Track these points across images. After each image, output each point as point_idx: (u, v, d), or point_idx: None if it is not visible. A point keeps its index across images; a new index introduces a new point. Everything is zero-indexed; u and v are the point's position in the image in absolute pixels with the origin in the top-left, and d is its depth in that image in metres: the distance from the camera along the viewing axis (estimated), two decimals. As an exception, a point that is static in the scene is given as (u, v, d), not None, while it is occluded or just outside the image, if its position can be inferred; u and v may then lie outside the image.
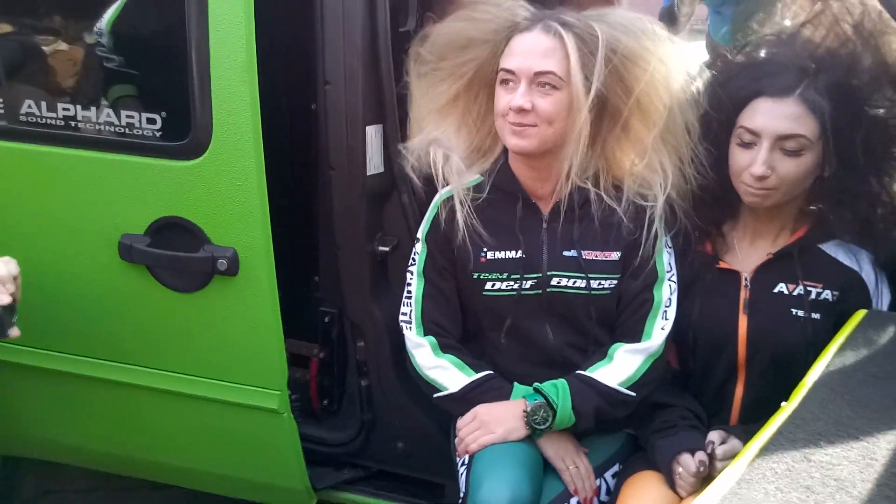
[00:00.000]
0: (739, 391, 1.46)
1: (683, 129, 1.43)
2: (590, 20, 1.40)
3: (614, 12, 1.44)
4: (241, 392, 1.61)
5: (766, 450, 0.78)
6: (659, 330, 1.48)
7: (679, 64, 1.43)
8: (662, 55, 1.40)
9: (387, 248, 1.64)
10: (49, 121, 1.54)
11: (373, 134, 1.55)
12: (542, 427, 1.42)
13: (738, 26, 3.12)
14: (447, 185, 1.49)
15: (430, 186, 1.53)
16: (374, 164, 1.57)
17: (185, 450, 1.74)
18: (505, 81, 1.41)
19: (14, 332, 1.38)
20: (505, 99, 1.40)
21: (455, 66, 1.48)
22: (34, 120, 1.55)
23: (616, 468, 1.52)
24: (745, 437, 1.24)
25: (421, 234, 1.55)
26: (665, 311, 1.49)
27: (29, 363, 1.70)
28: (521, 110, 1.37)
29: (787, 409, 0.87)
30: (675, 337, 1.48)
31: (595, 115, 1.42)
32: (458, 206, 1.47)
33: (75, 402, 1.75)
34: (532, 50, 1.38)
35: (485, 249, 1.49)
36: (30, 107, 1.54)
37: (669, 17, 3.00)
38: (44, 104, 1.54)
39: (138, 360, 1.65)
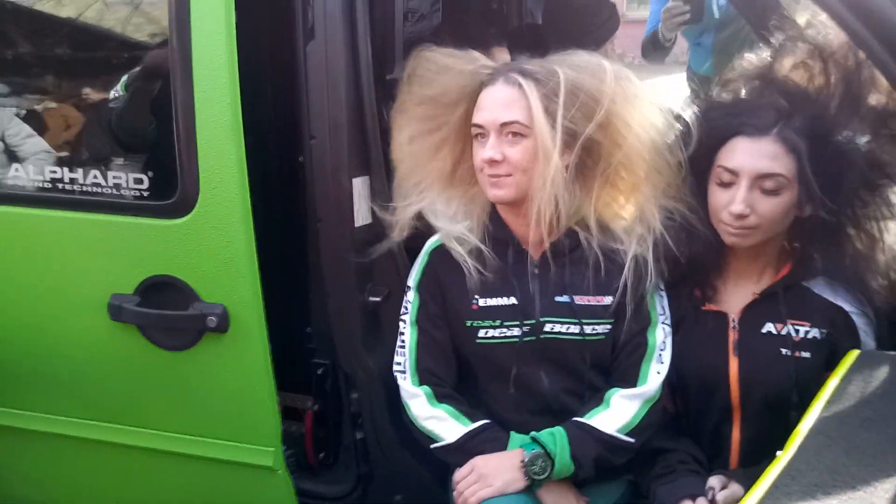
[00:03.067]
0: (736, 433, 1.44)
1: (667, 167, 1.44)
2: (551, 64, 1.42)
3: (575, 54, 1.46)
4: (235, 450, 1.59)
5: (773, 490, 0.77)
6: (655, 374, 1.47)
7: (649, 103, 1.44)
8: (628, 93, 1.41)
9: (378, 299, 1.63)
10: (36, 183, 1.54)
11: (360, 186, 1.56)
12: (541, 477, 1.40)
13: (720, 58, 3.15)
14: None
15: (418, 237, 1.53)
16: (362, 215, 1.58)
17: (179, 511, 1.71)
18: (478, 136, 1.44)
19: None
20: (479, 153, 1.42)
21: (428, 117, 1.50)
22: (20, 183, 1.55)
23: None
24: (746, 482, 1.23)
25: (412, 282, 1.55)
26: (660, 355, 1.48)
27: (19, 426, 1.69)
28: (492, 162, 1.40)
29: (783, 459, 0.86)
30: (668, 380, 1.47)
31: (578, 157, 1.43)
32: (453, 250, 1.48)
33: (66, 464, 1.73)
34: (496, 102, 1.41)
35: (476, 296, 1.49)
36: (16, 170, 1.55)
37: (654, 45, 3.00)
38: (31, 167, 1.54)
39: (129, 420, 1.63)
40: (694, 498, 1.32)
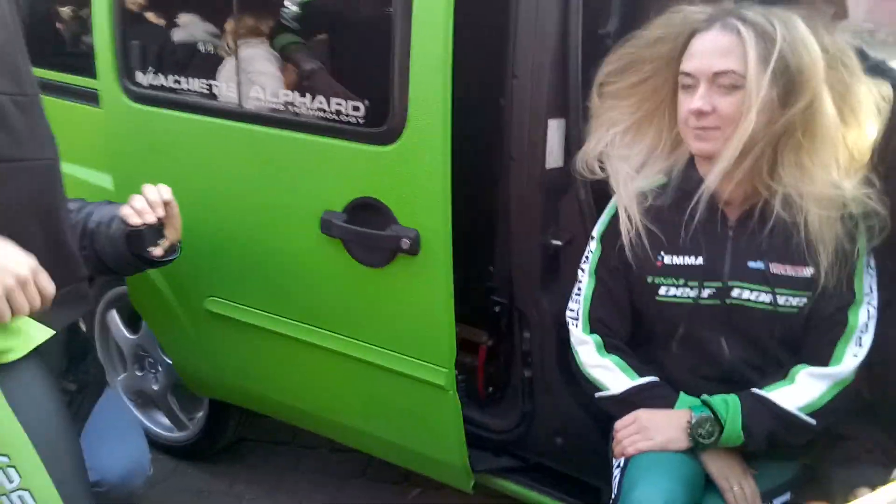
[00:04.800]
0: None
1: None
2: (773, 17, 1.32)
3: (797, 22, 1.34)
4: (413, 365, 1.71)
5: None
6: (851, 356, 1.36)
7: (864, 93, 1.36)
8: (841, 81, 1.35)
9: (560, 243, 1.65)
10: (271, 105, 1.74)
11: (555, 128, 1.58)
12: (706, 442, 1.36)
13: None
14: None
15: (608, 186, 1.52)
16: (554, 157, 1.60)
17: (360, 413, 1.89)
18: (685, 86, 1.38)
19: (157, 251, 1.57)
20: (686, 103, 1.37)
21: (636, 55, 1.48)
22: (259, 105, 1.76)
23: (787, 497, 1.41)
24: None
25: (597, 233, 1.55)
26: (860, 337, 1.37)
27: (239, 318, 1.94)
28: (700, 113, 1.33)
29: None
30: (868, 364, 1.34)
31: (785, 119, 1.33)
32: (630, 213, 1.46)
33: (273, 359, 1.96)
34: (710, 50, 1.34)
35: (662, 253, 1.46)
36: (256, 92, 1.76)
37: None
38: (268, 90, 1.74)
39: (326, 325, 1.81)
40: (874, 488, 1.21)
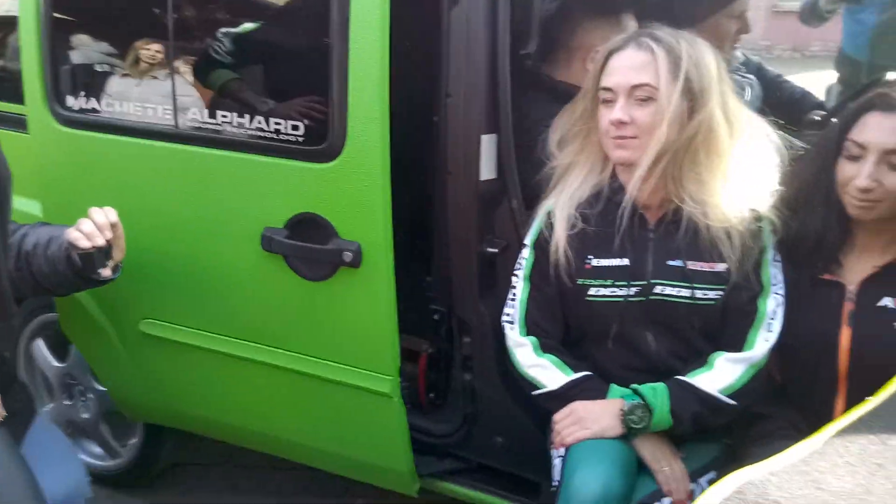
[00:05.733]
0: (841, 404, 1.45)
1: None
2: (679, 38, 1.48)
3: (695, 38, 1.51)
4: (358, 375, 1.76)
5: (842, 432, 0.81)
6: (763, 341, 1.51)
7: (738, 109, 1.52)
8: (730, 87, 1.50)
9: (495, 250, 1.75)
10: (210, 126, 1.77)
11: (487, 143, 1.68)
12: (638, 427, 1.47)
13: (878, 41, 2.98)
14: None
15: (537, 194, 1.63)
16: (488, 170, 1.70)
17: (304, 427, 1.91)
18: (605, 101, 1.51)
19: (106, 272, 1.60)
20: (606, 115, 1.50)
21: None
22: (197, 125, 1.78)
23: (712, 475, 1.54)
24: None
25: (529, 240, 1.65)
26: (770, 323, 1.51)
27: (177, 339, 1.93)
28: (620, 123, 1.47)
29: (871, 402, 0.90)
30: (777, 348, 1.50)
31: (690, 130, 1.48)
32: (561, 219, 1.56)
33: (213, 378, 1.96)
34: (627, 66, 1.48)
35: (590, 256, 1.57)
36: (193, 114, 1.79)
37: (812, 13, 2.89)
38: (205, 111, 1.77)
39: (269, 341, 1.84)
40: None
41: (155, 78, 1.81)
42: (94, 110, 1.88)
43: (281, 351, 1.83)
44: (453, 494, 1.92)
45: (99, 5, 1.95)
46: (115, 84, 1.88)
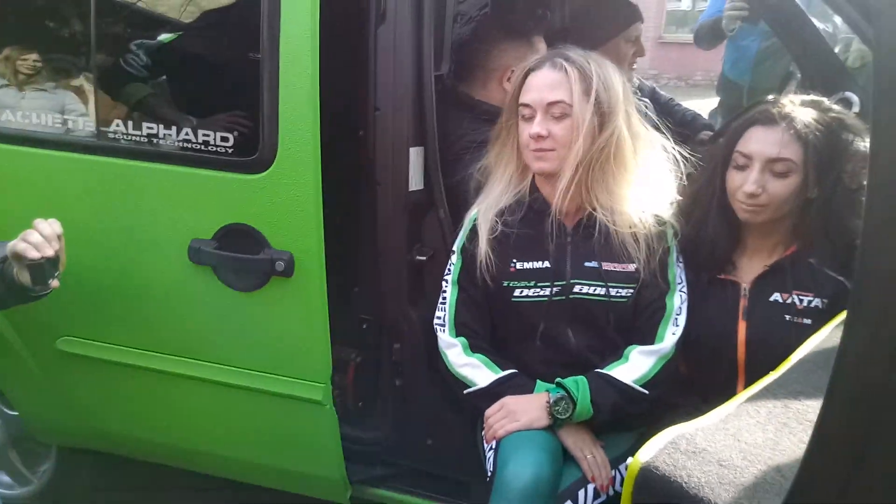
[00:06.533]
0: (741, 391, 1.60)
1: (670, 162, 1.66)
2: (590, 59, 1.62)
3: (606, 61, 1.66)
4: (290, 384, 1.78)
5: (750, 399, 0.93)
6: (670, 334, 1.65)
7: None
8: (630, 112, 1.64)
9: (423, 258, 1.82)
10: (134, 138, 1.76)
11: (415, 155, 1.76)
12: (563, 417, 1.57)
13: (759, 67, 3.28)
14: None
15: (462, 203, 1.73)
16: (415, 181, 1.77)
17: (234, 440, 1.90)
18: (524, 117, 1.63)
19: (55, 283, 1.59)
20: (526, 129, 1.62)
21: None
22: (121, 137, 1.76)
23: (630, 462, 1.66)
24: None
25: (456, 246, 1.74)
26: (676, 318, 1.66)
27: (97, 356, 1.89)
28: (538, 137, 1.58)
29: (773, 375, 1.03)
30: (683, 342, 1.64)
31: (599, 142, 1.61)
32: (486, 227, 1.66)
33: (138, 395, 1.92)
34: (543, 84, 1.60)
35: (514, 260, 1.67)
36: (117, 125, 1.77)
37: (713, 31, 3.09)
38: (130, 123, 1.76)
39: (196, 354, 1.83)
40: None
41: (76, 88, 1.78)
42: (8, 121, 1.82)
43: (208, 363, 1.83)
44: (384, 500, 1.96)
45: (21, 18, 1.89)
46: (31, 94, 1.83)
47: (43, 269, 1.54)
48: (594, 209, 1.64)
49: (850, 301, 0.67)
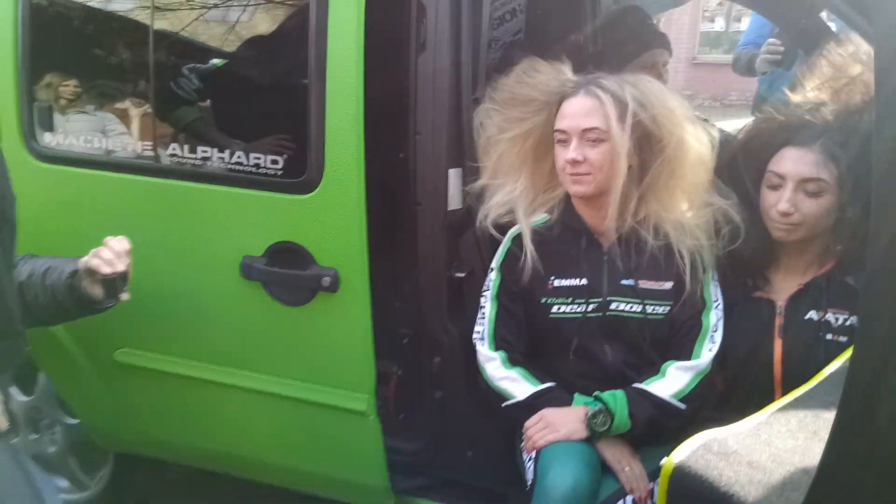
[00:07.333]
0: (777, 407, 1.62)
1: (704, 174, 1.68)
2: (624, 83, 1.66)
3: (638, 76, 1.70)
4: (335, 395, 1.85)
5: (782, 408, 0.97)
6: (707, 350, 1.68)
7: (697, 131, 1.67)
8: (683, 119, 1.65)
9: (462, 275, 1.88)
10: (189, 161, 1.86)
11: (454, 176, 1.82)
12: (601, 430, 1.61)
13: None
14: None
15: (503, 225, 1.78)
16: (454, 201, 1.84)
17: (282, 448, 1.98)
18: (560, 141, 1.68)
19: (125, 296, 1.70)
20: (562, 155, 1.67)
21: (517, 118, 1.76)
22: (177, 160, 1.87)
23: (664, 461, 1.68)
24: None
25: (495, 263, 1.80)
26: (713, 335, 1.69)
27: (154, 367, 1.99)
28: (574, 162, 1.63)
29: (805, 387, 1.06)
30: (720, 360, 1.67)
31: (638, 164, 1.66)
32: (526, 243, 1.72)
33: (192, 404, 2.02)
34: (578, 112, 1.65)
35: (552, 277, 1.73)
36: (174, 149, 1.87)
37: (747, 68, 3.14)
38: (186, 147, 1.86)
39: (247, 365, 1.91)
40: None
41: (138, 113, 1.90)
42: (73, 145, 1.94)
43: (258, 374, 1.91)
44: (426, 510, 2.01)
45: (81, 45, 2.01)
46: (95, 119, 1.95)
47: (115, 283, 1.65)
48: (639, 224, 1.68)
49: (860, 311, 0.70)
